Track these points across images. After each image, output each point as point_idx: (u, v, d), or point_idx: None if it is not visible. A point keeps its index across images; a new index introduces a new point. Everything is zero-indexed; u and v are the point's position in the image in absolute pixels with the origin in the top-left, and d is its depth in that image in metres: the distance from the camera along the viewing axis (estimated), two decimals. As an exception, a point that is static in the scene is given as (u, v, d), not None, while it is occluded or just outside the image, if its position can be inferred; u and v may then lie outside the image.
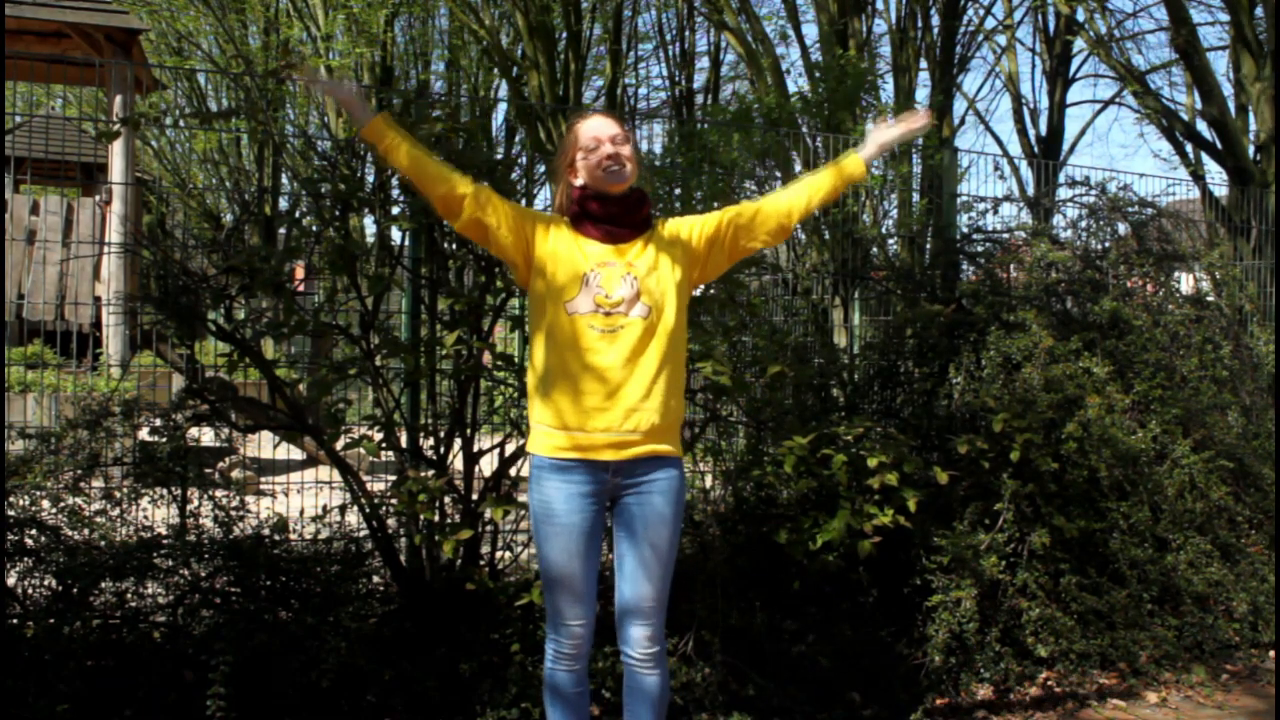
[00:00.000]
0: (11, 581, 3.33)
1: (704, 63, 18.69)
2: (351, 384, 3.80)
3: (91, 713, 3.06)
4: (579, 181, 2.61)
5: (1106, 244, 5.32)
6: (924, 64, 13.34)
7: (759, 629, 3.66)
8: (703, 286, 3.72)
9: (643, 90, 20.30)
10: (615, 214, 2.58)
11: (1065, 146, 18.48)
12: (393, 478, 3.60)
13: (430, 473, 3.46)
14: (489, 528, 3.69)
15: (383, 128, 2.55)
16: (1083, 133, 33.83)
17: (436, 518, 3.40)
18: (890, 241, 6.56)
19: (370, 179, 3.74)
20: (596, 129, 2.58)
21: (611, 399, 2.48)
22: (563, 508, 2.52)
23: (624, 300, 2.51)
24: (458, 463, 3.65)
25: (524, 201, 4.09)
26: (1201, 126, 12.08)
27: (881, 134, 2.84)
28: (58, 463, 3.51)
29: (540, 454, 2.56)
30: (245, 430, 3.74)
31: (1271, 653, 4.41)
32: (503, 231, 2.56)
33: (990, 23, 16.73)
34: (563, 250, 2.56)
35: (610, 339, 2.49)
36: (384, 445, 3.51)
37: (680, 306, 2.60)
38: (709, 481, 4.07)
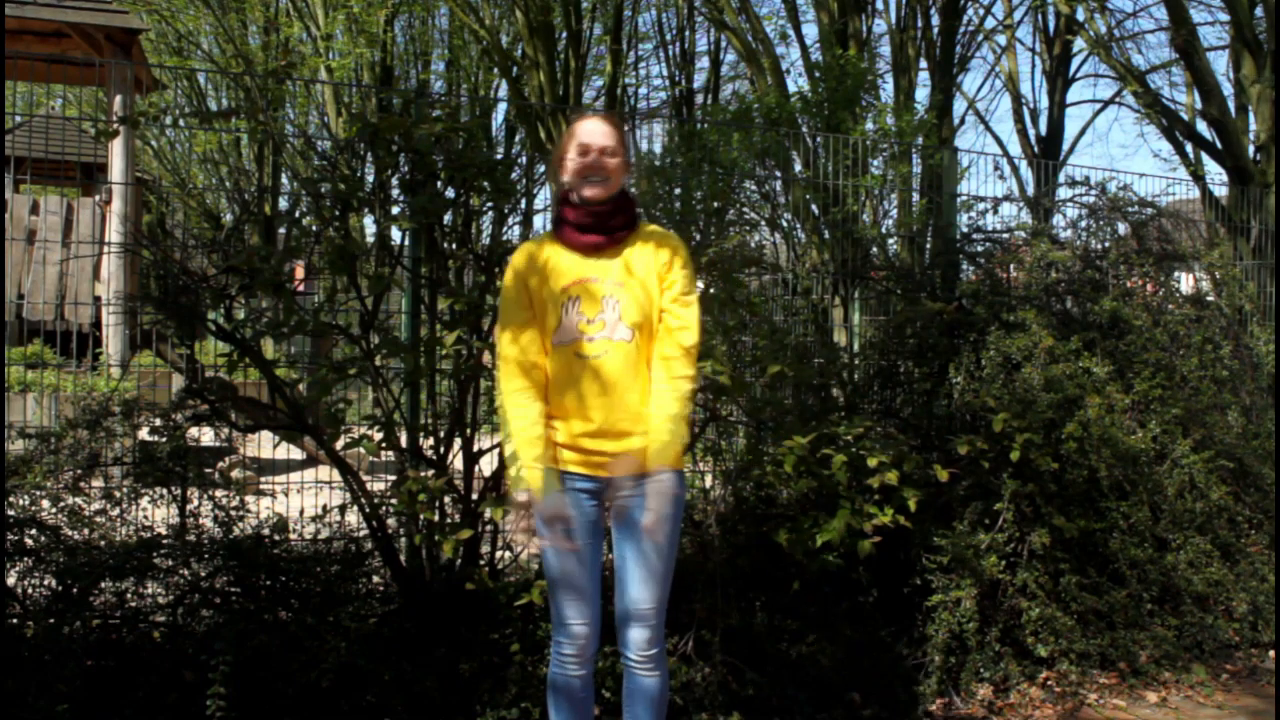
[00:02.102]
0: (11, 581, 3.33)
1: (704, 63, 18.72)
2: (351, 384, 3.80)
3: (91, 713, 3.06)
4: (565, 179, 2.61)
5: (1106, 244, 5.32)
6: (924, 64, 13.34)
7: (759, 629, 3.66)
8: (701, 286, 3.72)
9: (643, 90, 20.32)
10: (588, 224, 2.57)
11: (1065, 146, 18.50)
12: (393, 478, 3.60)
13: (430, 473, 3.46)
14: (489, 528, 3.69)
15: (533, 465, 2.48)
16: (1083, 133, 33.98)
17: (436, 518, 3.40)
18: (890, 241, 6.55)
19: (370, 179, 3.74)
20: (589, 135, 2.57)
21: (603, 424, 2.50)
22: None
23: (605, 324, 2.51)
24: (458, 463, 3.65)
25: (524, 201, 4.08)
26: (1201, 126, 12.08)
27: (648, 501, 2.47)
28: (58, 463, 3.51)
29: None
30: (245, 430, 3.74)
31: (1271, 653, 4.41)
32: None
33: (990, 23, 16.74)
34: (544, 286, 2.56)
35: (594, 364, 2.50)
36: (384, 445, 3.51)
37: (653, 326, 2.58)
38: (709, 481, 4.07)
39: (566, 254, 2.58)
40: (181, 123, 19.87)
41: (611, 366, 2.50)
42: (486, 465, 3.67)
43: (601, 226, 2.57)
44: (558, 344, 2.53)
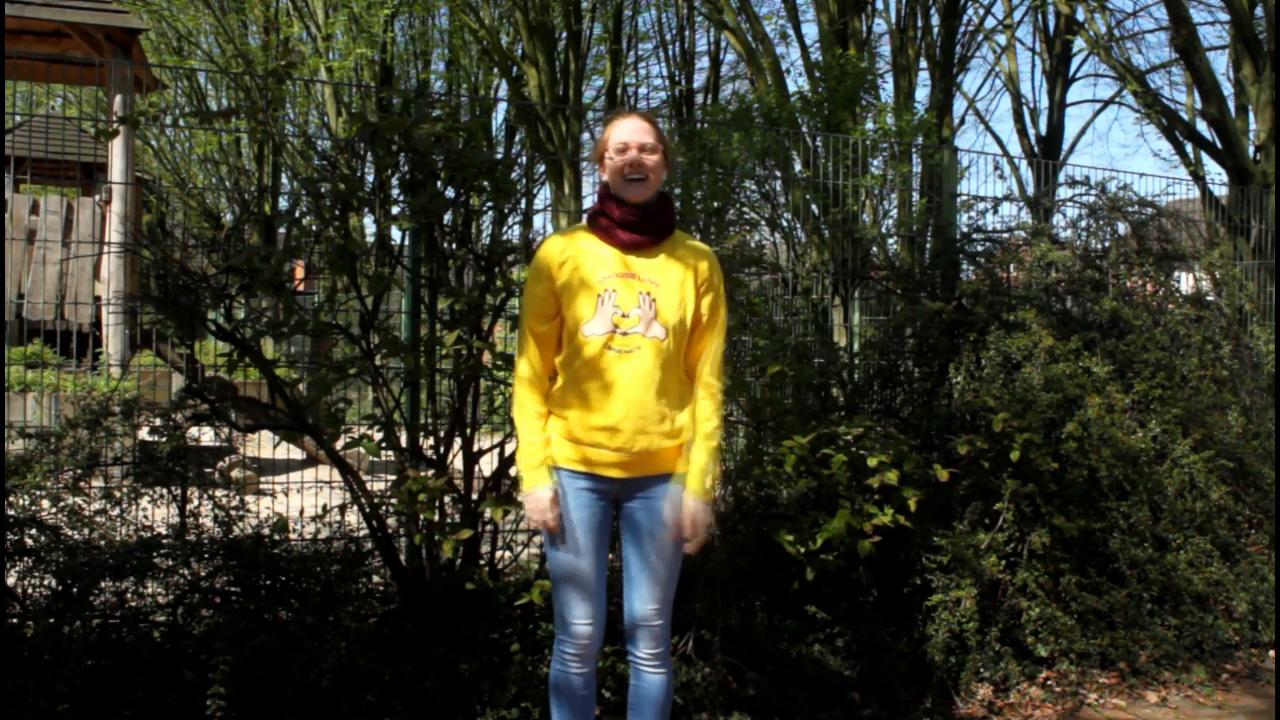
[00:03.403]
0: (11, 581, 3.33)
1: (704, 63, 18.75)
2: (351, 384, 3.80)
3: (91, 713, 3.06)
4: (604, 178, 2.62)
5: (1106, 244, 5.31)
6: (924, 64, 13.34)
7: (759, 629, 3.66)
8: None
9: (643, 90, 20.33)
10: (632, 221, 2.57)
11: (1065, 146, 18.52)
12: (393, 478, 3.60)
13: (430, 472, 3.46)
14: (489, 527, 3.69)
15: (544, 464, 2.54)
16: (1083, 132, 33.98)
17: (436, 517, 3.40)
18: (890, 241, 6.56)
19: (370, 179, 3.74)
20: (628, 133, 2.57)
21: (624, 421, 2.49)
22: (570, 503, 2.54)
23: (640, 320, 2.51)
24: (457, 462, 3.65)
25: (524, 201, 4.07)
26: (1201, 126, 12.08)
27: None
28: (58, 463, 3.51)
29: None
30: (245, 430, 3.74)
31: (1271, 653, 4.41)
32: (556, 323, 2.60)
33: (990, 22, 16.77)
34: (577, 274, 2.55)
35: (625, 359, 2.50)
36: (384, 445, 3.51)
37: (686, 331, 2.61)
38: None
39: (604, 247, 2.58)
40: (181, 123, 19.88)
41: (641, 363, 2.50)
42: (486, 465, 3.67)
43: (645, 226, 2.58)
44: (589, 334, 2.51)
